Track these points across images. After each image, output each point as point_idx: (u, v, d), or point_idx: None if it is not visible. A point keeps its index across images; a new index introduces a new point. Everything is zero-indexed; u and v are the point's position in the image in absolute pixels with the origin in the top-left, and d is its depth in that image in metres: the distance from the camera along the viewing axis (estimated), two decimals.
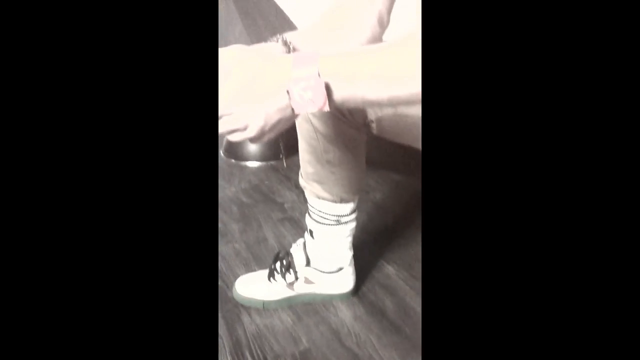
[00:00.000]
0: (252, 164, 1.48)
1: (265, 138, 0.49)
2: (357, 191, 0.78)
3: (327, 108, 0.45)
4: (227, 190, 1.32)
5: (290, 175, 1.38)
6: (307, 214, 0.82)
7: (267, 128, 0.47)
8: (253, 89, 0.45)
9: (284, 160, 1.01)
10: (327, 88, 0.44)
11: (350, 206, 0.79)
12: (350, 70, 0.44)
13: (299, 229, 1.10)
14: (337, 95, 0.45)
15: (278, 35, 0.52)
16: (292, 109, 0.45)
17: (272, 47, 0.50)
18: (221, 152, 1.55)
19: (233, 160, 1.51)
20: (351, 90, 0.44)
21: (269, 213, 1.19)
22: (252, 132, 0.47)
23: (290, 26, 1.00)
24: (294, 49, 0.51)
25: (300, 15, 1.02)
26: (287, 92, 0.44)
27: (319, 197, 0.78)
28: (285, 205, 1.23)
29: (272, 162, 1.47)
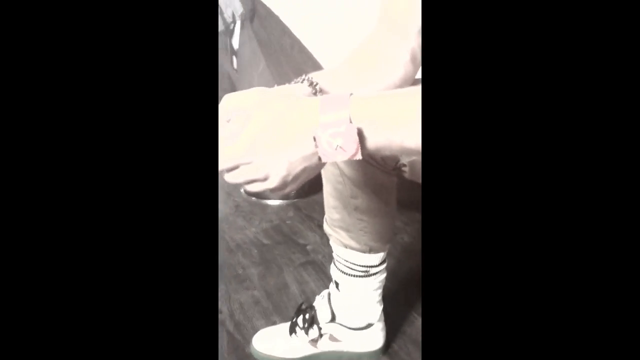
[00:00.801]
0: (274, 202, 1.42)
1: (288, 189, 0.43)
2: (387, 240, 0.71)
3: (359, 156, 0.39)
4: (247, 231, 1.26)
5: (312, 215, 1.32)
6: (332, 264, 0.75)
7: (289, 178, 0.41)
8: (275, 135, 0.39)
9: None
10: (360, 134, 0.38)
11: (380, 256, 0.72)
12: (386, 114, 0.38)
13: (322, 274, 1.03)
14: (371, 142, 0.38)
15: (303, 76, 0.47)
16: (319, 158, 0.39)
17: (296, 89, 0.45)
18: (242, 190, 1.50)
19: (254, 199, 1.46)
20: (387, 137, 0.38)
21: (290, 256, 1.12)
22: (273, 182, 0.41)
23: (314, 64, 0.96)
24: (321, 91, 0.45)
25: (325, 53, 0.98)
26: (314, 138, 0.38)
27: (345, 246, 0.71)
28: (308, 248, 1.16)
29: (295, 200, 1.41)
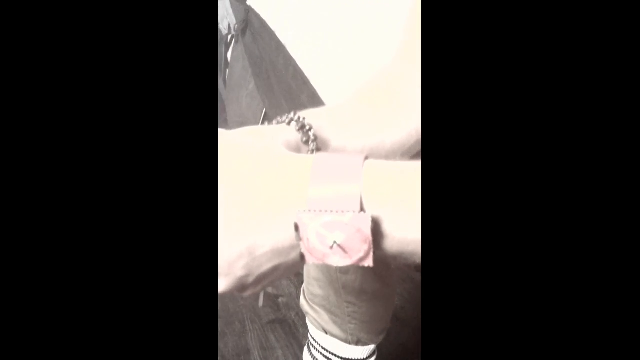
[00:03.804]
0: None
1: (248, 292, 0.27)
2: (381, 331, 0.55)
3: (369, 263, 0.23)
4: None
5: None
6: (306, 347, 0.59)
7: (250, 280, 0.25)
8: (232, 213, 0.24)
9: (261, 298, 0.75)
10: (377, 228, 0.22)
11: (369, 349, 0.56)
12: (414, 193, 0.23)
13: (292, 339, 0.86)
14: (393, 243, 0.23)
15: (291, 114, 0.30)
16: (301, 255, 0.24)
17: (277, 134, 0.28)
18: None
19: None
20: (418, 234, 0.23)
21: (257, 310, 0.95)
22: (223, 284, 0.25)
23: (310, 94, 0.81)
24: (315, 139, 0.29)
25: (324, 80, 0.83)
26: (295, 225, 0.23)
27: (326, 332, 0.55)
28: (280, 301, 0.99)
29: None
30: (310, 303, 0.56)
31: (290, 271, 0.26)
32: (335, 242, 0.23)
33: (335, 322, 0.54)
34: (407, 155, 0.43)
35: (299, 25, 0.90)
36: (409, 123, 0.42)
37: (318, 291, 0.54)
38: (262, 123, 1.02)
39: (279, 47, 0.88)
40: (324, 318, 0.55)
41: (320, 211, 0.22)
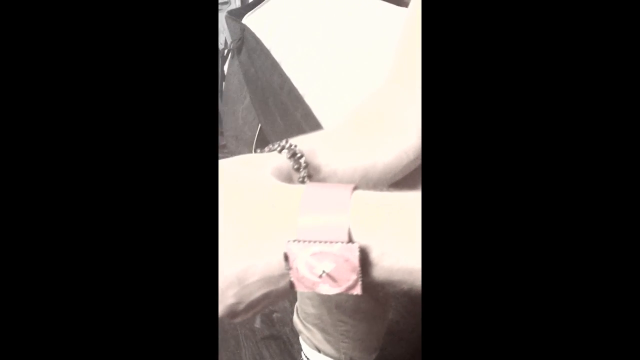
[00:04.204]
0: None
1: (239, 319, 0.27)
2: (374, 349, 0.55)
3: (358, 291, 0.24)
4: None
5: None
6: None
7: (240, 307, 0.26)
8: (224, 242, 0.24)
9: (258, 319, 0.74)
10: (365, 257, 0.23)
11: None
12: (409, 225, 0.24)
13: (287, 355, 0.86)
14: (381, 271, 0.24)
15: (283, 142, 0.31)
16: (290, 283, 0.24)
17: (267, 162, 0.29)
18: None
19: None
20: (407, 263, 0.24)
21: (251, 326, 0.95)
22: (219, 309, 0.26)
23: (305, 113, 0.82)
24: (307, 166, 0.30)
25: (320, 100, 0.84)
26: (285, 255, 0.23)
27: (319, 350, 0.55)
28: (275, 316, 0.99)
29: None
30: (304, 322, 0.56)
31: (281, 298, 0.27)
32: (324, 271, 0.23)
33: (328, 341, 0.54)
34: (399, 177, 0.44)
35: (294, 44, 0.91)
36: (399, 146, 0.43)
37: (311, 310, 0.54)
38: (258, 139, 1.03)
39: (274, 66, 0.89)
40: (317, 337, 0.55)
41: (309, 241, 0.23)
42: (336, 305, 0.52)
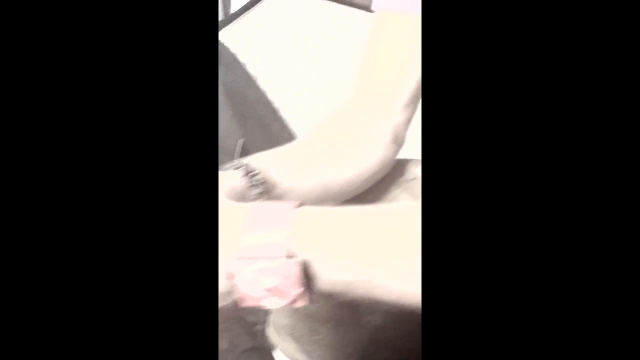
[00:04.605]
0: None
1: None
2: (349, 355, 0.56)
3: (303, 303, 0.25)
4: None
5: None
6: None
7: None
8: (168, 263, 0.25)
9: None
10: (306, 270, 0.24)
11: None
12: (354, 237, 0.25)
13: None
14: (327, 281, 0.25)
15: (240, 160, 0.32)
16: (238, 299, 0.25)
17: (221, 181, 0.30)
18: None
19: None
20: (354, 274, 0.25)
21: (233, 338, 0.95)
22: None
23: (282, 126, 0.84)
24: (264, 183, 0.31)
25: (295, 110, 0.85)
26: (229, 273, 0.24)
27: None
28: (257, 328, 0.99)
29: None
30: (277, 331, 0.57)
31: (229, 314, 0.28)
32: (269, 286, 0.24)
33: (303, 351, 0.55)
34: (360, 190, 0.45)
35: (268, 58, 0.93)
36: (364, 162, 0.44)
37: (284, 321, 0.55)
38: (242, 152, 1.04)
39: (249, 80, 0.91)
40: (291, 346, 0.55)
41: (253, 258, 0.24)
42: (308, 315, 0.53)
